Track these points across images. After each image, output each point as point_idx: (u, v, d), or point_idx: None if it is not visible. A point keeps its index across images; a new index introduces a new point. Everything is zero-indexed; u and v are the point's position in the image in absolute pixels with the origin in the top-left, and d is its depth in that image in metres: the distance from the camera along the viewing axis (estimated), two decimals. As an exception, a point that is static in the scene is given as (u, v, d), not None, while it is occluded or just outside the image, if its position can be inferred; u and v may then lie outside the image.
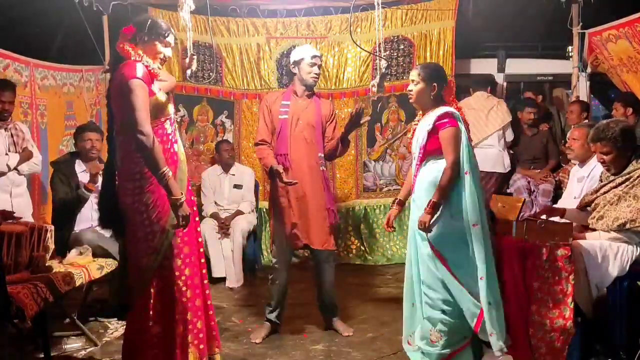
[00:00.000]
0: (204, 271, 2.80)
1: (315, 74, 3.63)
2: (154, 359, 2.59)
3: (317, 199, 3.59)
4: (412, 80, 3.06)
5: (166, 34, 2.66)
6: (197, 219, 2.83)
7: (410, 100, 3.10)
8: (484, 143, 5.31)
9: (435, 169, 2.96)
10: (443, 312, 2.99)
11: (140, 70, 2.49)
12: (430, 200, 2.89)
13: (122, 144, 2.61)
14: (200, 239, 2.82)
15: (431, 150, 2.98)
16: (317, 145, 3.63)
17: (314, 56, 3.63)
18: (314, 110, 3.64)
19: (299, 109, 3.63)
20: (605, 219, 3.12)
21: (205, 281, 2.79)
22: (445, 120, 2.93)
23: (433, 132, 2.96)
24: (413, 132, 3.14)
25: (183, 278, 2.63)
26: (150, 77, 2.55)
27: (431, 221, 2.90)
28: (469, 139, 3.02)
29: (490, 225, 3.05)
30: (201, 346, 2.69)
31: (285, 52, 5.74)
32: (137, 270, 2.61)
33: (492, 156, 5.34)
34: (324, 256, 3.69)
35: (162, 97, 2.60)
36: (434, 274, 2.97)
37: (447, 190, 2.89)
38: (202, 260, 2.79)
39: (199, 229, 2.83)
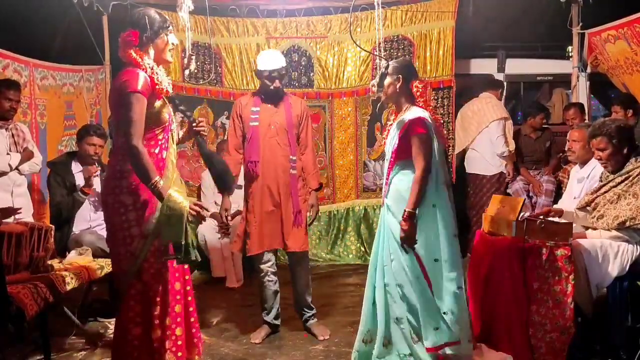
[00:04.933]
0: (187, 277, 2.72)
1: (275, 87, 3.55)
2: None
3: (288, 202, 3.59)
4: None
5: (167, 23, 2.64)
6: None
7: (384, 100, 3.07)
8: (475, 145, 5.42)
9: (407, 180, 2.91)
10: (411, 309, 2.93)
11: (141, 81, 2.47)
12: (405, 211, 2.83)
13: (115, 142, 2.66)
14: None
15: (401, 155, 2.95)
16: (289, 147, 3.60)
17: (274, 70, 3.52)
18: (284, 113, 3.62)
19: (270, 113, 3.60)
20: (605, 217, 3.13)
21: (188, 288, 2.72)
22: (416, 126, 2.88)
23: (404, 137, 2.93)
24: (387, 132, 3.11)
25: (163, 283, 2.57)
26: (151, 86, 2.52)
27: (414, 232, 2.83)
28: (445, 145, 3.03)
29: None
30: (179, 353, 2.62)
31: (285, 52, 5.75)
32: (119, 272, 2.58)
33: (479, 159, 5.42)
34: (297, 258, 3.68)
35: (157, 105, 2.57)
36: (407, 274, 2.90)
37: (420, 199, 2.84)
38: (186, 267, 2.70)
39: None
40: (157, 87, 2.52)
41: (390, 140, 3.04)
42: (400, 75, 2.98)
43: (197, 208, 2.48)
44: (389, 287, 2.98)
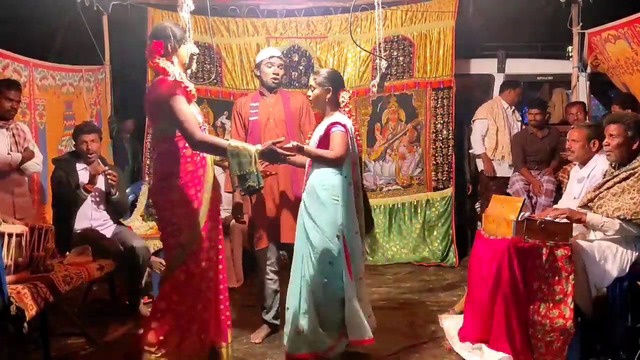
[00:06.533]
0: (221, 267, 2.88)
1: (275, 73, 3.61)
2: (167, 336, 2.71)
3: (289, 195, 3.61)
4: (310, 86, 3.23)
5: (187, 34, 2.87)
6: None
7: (311, 106, 3.29)
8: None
9: (322, 176, 3.08)
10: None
11: (176, 86, 2.67)
12: (298, 145, 2.94)
13: (156, 148, 2.92)
14: (220, 237, 2.92)
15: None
16: (290, 140, 3.63)
17: (272, 56, 3.62)
18: (282, 106, 3.65)
19: (268, 107, 3.64)
20: (605, 207, 3.12)
21: (221, 276, 2.89)
22: (335, 127, 3.07)
23: (324, 138, 3.10)
24: (311, 135, 3.29)
25: (199, 270, 2.76)
26: (183, 90, 2.70)
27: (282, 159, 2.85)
28: (359, 151, 3.25)
29: None
30: (202, 336, 2.79)
31: (285, 52, 5.75)
32: (167, 261, 2.82)
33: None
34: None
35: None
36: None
37: (315, 159, 3.07)
38: (220, 257, 2.89)
39: (220, 227, 2.93)
40: (187, 90, 2.69)
41: (314, 142, 3.18)
42: (330, 88, 3.17)
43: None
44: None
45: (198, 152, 2.75)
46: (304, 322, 3.08)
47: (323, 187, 3.07)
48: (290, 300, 3.17)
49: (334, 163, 3.04)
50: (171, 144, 2.72)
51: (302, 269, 3.12)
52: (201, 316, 2.78)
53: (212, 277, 2.82)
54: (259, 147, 2.66)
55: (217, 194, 2.85)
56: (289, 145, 2.92)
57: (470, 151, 5.93)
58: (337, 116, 3.14)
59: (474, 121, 5.79)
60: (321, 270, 3.07)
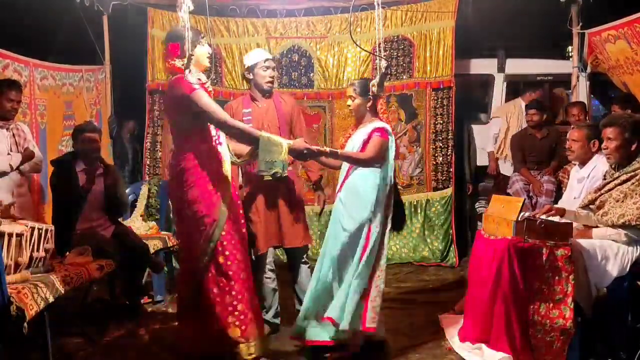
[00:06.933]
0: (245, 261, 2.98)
1: (270, 77, 3.61)
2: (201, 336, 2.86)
3: (286, 199, 3.61)
4: (350, 96, 3.38)
5: (201, 35, 2.98)
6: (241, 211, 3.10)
7: (352, 115, 3.47)
8: None
9: (364, 177, 3.25)
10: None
11: (193, 81, 2.82)
12: (331, 150, 3.20)
13: (175, 144, 3.00)
14: (244, 230, 3.04)
15: None
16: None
17: (267, 59, 3.60)
18: (274, 112, 3.64)
19: (261, 113, 3.62)
20: (610, 215, 3.12)
21: (249, 271, 2.98)
22: (378, 133, 3.26)
23: (367, 142, 3.27)
24: (346, 140, 3.46)
25: (229, 263, 2.87)
26: (202, 85, 2.85)
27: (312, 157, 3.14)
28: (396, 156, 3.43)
29: None
30: (243, 327, 2.89)
31: (285, 52, 5.75)
32: (190, 259, 2.89)
33: None
34: (298, 254, 3.70)
35: None
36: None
37: (350, 161, 3.27)
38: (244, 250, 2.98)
39: (242, 220, 3.06)
40: (204, 87, 2.85)
41: (357, 146, 3.31)
42: (370, 97, 3.34)
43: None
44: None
45: (215, 149, 2.88)
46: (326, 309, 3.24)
47: (362, 184, 3.24)
48: (311, 294, 3.30)
49: (365, 163, 3.24)
50: (191, 140, 2.84)
51: (331, 253, 3.25)
52: (235, 308, 2.87)
53: (243, 268, 2.92)
54: (290, 142, 2.88)
55: (234, 190, 2.99)
56: (325, 149, 3.16)
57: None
58: (379, 123, 3.32)
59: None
60: (347, 252, 3.22)
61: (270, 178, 2.95)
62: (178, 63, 2.87)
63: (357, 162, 3.25)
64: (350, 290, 3.17)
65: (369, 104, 3.35)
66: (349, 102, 3.39)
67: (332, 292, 3.27)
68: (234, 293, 2.86)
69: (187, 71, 2.82)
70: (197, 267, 2.86)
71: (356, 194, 3.24)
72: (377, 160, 3.23)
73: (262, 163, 2.89)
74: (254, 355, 2.90)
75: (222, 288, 2.85)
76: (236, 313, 2.86)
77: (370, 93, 3.33)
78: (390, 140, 3.29)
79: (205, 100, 2.80)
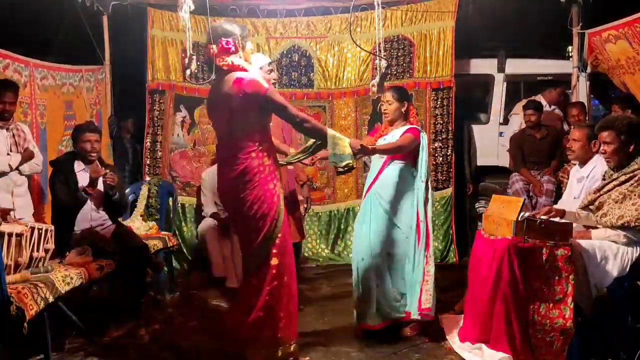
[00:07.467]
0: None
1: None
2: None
3: (286, 195, 3.66)
4: (387, 101, 3.69)
5: (247, 30, 3.02)
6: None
7: (387, 118, 3.73)
8: None
9: (398, 170, 3.63)
10: None
11: (262, 80, 2.87)
12: (374, 147, 3.45)
13: (236, 144, 2.93)
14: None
15: (396, 155, 3.64)
16: (286, 143, 3.87)
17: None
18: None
19: None
20: (609, 216, 3.12)
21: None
22: (412, 130, 3.63)
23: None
24: (376, 140, 3.77)
25: (282, 263, 2.92)
26: (268, 81, 2.95)
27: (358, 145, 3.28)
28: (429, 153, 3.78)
29: None
30: (291, 327, 2.96)
31: (285, 52, 5.75)
32: (250, 255, 2.97)
33: None
34: (296, 250, 3.73)
35: None
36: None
37: (384, 152, 3.59)
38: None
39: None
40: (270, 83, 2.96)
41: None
42: (406, 102, 3.72)
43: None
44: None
45: (274, 147, 2.99)
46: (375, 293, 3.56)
47: (394, 177, 3.61)
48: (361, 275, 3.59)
49: (394, 150, 3.57)
50: (254, 139, 2.86)
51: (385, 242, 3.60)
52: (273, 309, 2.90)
53: (292, 269, 2.99)
54: (348, 139, 3.08)
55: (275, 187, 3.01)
56: (368, 146, 3.34)
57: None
58: (411, 125, 3.68)
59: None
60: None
61: (342, 169, 3.11)
62: (236, 60, 2.84)
63: (388, 151, 3.57)
64: (412, 277, 3.56)
65: (404, 108, 3.70)
66: (386, 106, 3.70)
67: (385, 281, 3.59)
68: (284, 294, 2.90)
69: (247, 66, 2.84)
70: (253, 266, 2.92)
71: (390, 186, 3.58)
72: (406, 148, 3.56)
73: (332, 156, 3.07)
74: (295, 356, 2.98)
75: (276, 287, 2.88)
76: (284, 314, 2.91)
77: (405, 99, 3.70)
78: (422, 139, 3.63)
79: (279, 96, 2.87)
